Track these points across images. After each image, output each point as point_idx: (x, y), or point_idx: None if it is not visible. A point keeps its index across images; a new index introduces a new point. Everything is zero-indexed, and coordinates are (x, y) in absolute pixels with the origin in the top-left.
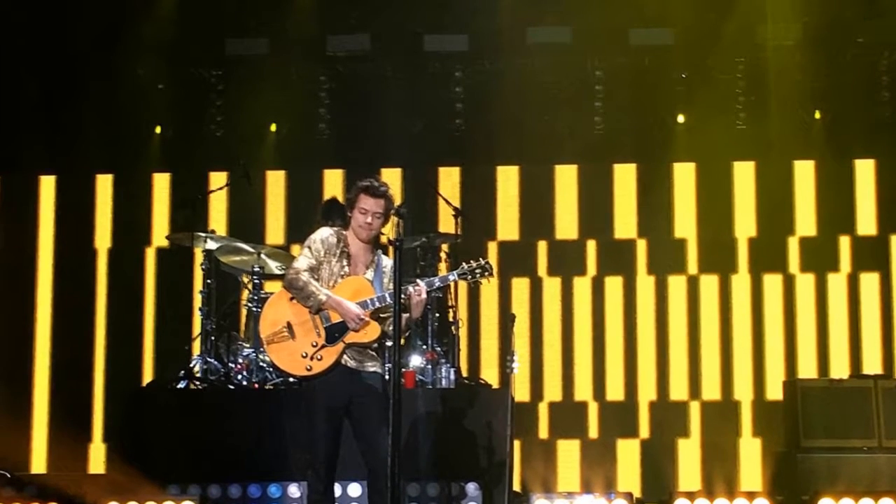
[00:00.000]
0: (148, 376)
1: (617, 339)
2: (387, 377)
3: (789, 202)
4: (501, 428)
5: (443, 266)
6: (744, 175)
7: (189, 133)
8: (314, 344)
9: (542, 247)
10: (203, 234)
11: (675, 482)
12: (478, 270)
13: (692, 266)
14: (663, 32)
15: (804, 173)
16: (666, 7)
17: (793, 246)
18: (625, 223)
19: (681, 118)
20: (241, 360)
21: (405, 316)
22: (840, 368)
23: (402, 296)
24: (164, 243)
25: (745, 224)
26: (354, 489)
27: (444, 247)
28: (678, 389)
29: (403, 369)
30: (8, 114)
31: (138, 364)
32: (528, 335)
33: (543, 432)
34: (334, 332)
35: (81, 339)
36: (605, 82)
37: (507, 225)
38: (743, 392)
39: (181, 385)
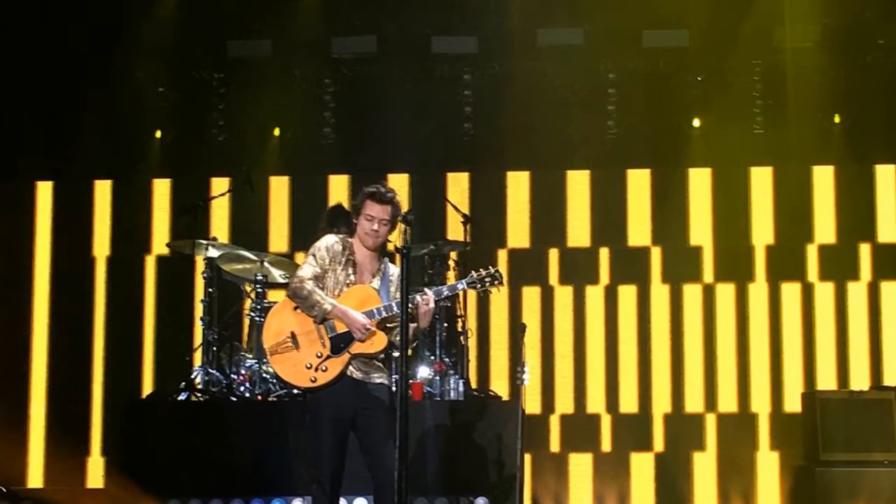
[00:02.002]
0: (148, 388)
1: (631, 350)
2: (394, 389)
3: (808, 209)
4: (512, 441)
5: (451, 274)
6: (761, 181)
7: (190, 138)
8: (319, 355)
9: (554, 255)
10: (204, 242)
11: (690, 497)
12: (487, 279)
13: (708, 274)
14: (678, 34)
15: (823, 179)
16: (681, 8)
17: (811, 254)
18: (639, 230)
19: (696, 122)
20: (243, 372)
21: (413, 326)
22: (860, 380)
23: (410, 305)
24: (165, 251)
25: (762, 231)
26: None
27: (453, 255)
28: (693, 401)
29: (411, 381)
30: (4, 118)
31: (138, 375)
32: (539, 346)
33: (555, 445)
34: (340, 343)
35: (79, 349)
36: (619, 85)
37: (518, 232)
38: (760, 404)
39: (182, 397)
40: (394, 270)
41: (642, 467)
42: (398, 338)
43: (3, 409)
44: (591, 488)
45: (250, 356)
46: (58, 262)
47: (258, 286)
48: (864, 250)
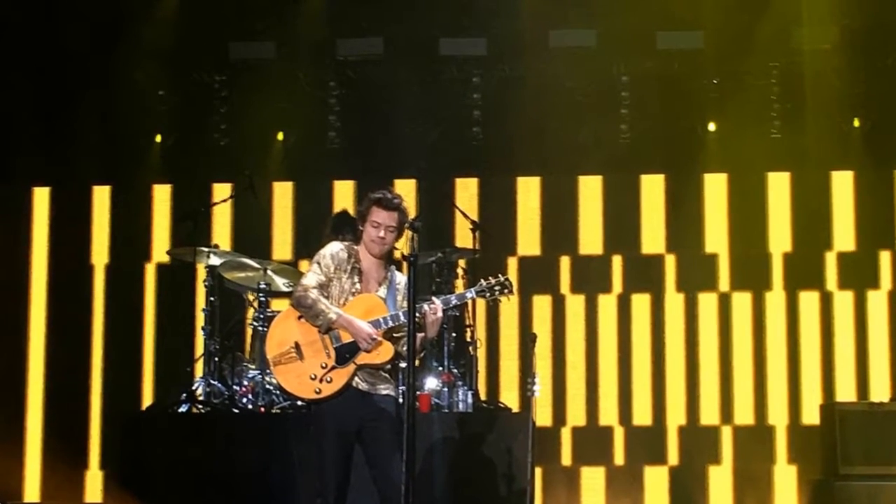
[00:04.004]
0: (148, 399)
1: (644, 361)
2: (400, 400)
3: (826, 215)
4: (522, 454)
5: (460, 283)
6: (778, 186)
7: (191, 142)
8: (323, 365)
9: (565, 262)
10: (206, 249)
11: None
12: (497, 287)
13: (724, 283)
14: (693, 35)
15: (842, 184)
16: (696, 8)
17: (830, 261)
18: (652, 237)
19: (712, 126)
20: (246, 383)
21: (420, 336)
22: (880, 391)
23: (417, 314)
24: (165, 259)
25: (779, 238)
26: None
27: (462, 262)
28: (709, 413)
29: (418, 392)
30: (0, 120)
31: (137, 387)
32: (550, 356)
33: (566, 459)
34: (345, 353)
35: (77, 360)
36: (632, 88)
37: (528, 239)
38: (777, 416)
39: (183, 409)
40: (401, 279)
41: (656, 481)
42: (405, 348)
43: None
44: (603, 502)
45: (253, 367)
46: (55, 269)
47: (261, 295)
48: (885, 258)
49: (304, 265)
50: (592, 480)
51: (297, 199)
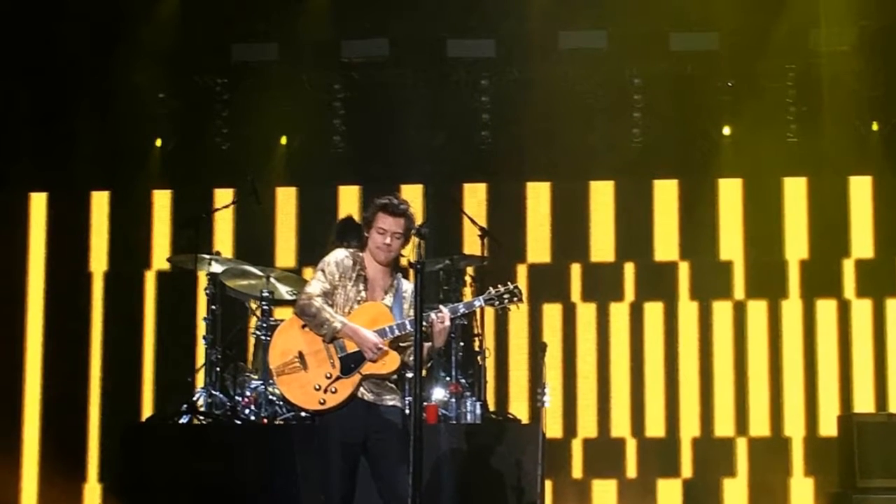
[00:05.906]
0: (148, 410)
1: (657, 371)
2: (407, 411)
3: (844, 221)
4: (531, 467)
5: (468, 291)
6: (795, 192)
7: (192, 146)
8: (328, 375)
9: (576, 270)
10: (207, 256)
11: None
12: (506, 295)
13: (739, 291)
14: (707, 37)
15: (860, 190)
16: (710, 9)
17: (848, 269)
18: (666, 244)
19: (726, 130)
20: (248, 393)
21: (427, 345)
22: None
23: (424, 323)
24: (165, 266)
25: (796, 245)
26: None
27: (470, 270)
28: (723, 425)
29: (425, 403)
30: None
31: (137, 397)
32: (561, 366)
33: (577, 471)
34: (350, 363)
35: (75, 369)
36: (644, 91)
37: (538, 246)
38: (794, 428)
39: (184, 420)
40: (407, 286)
41: (669, 494)
42: (412, 358)
43: None
44: None
45: (256, 377)
46: (53, 277)
47: (264, 303)
48: None
49: (307, 273)
50: (604, 493)
51: (301, 205)
